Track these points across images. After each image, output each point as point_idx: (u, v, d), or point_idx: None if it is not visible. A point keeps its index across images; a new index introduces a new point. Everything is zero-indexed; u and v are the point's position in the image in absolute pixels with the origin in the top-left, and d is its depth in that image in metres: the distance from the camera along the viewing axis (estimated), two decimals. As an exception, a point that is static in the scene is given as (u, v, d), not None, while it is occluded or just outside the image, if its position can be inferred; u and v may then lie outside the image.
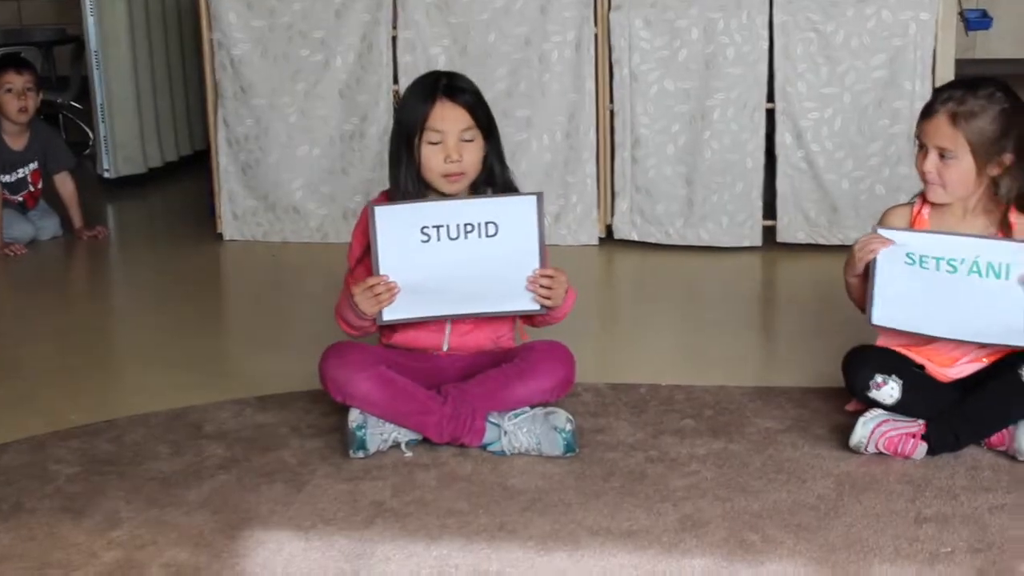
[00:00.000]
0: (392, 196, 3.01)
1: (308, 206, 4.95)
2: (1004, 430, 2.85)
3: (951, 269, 2.84)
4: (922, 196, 3.00)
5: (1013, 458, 2.83)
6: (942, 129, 2.86)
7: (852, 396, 3.01)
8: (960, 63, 6.29)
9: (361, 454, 2.92)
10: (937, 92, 2.97)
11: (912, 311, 2.88)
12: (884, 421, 2.88)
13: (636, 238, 4.74)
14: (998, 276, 2.81)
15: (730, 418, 3.12)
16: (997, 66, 8.04)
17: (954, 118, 2.85)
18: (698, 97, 4.56)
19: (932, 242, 2.86)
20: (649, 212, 4.69)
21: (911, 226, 2.99)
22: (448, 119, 2.94)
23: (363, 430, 2.91)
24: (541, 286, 2.92)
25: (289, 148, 4.90)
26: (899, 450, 2.84)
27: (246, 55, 4.82)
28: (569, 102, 4.67)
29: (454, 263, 2.90)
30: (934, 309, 2.87)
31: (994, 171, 2.89)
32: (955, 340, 2.90)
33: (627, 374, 3.45)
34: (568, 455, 2.91)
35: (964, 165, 2.87)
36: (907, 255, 2.87)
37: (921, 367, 2.95)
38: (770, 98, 4.56)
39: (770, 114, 4.57)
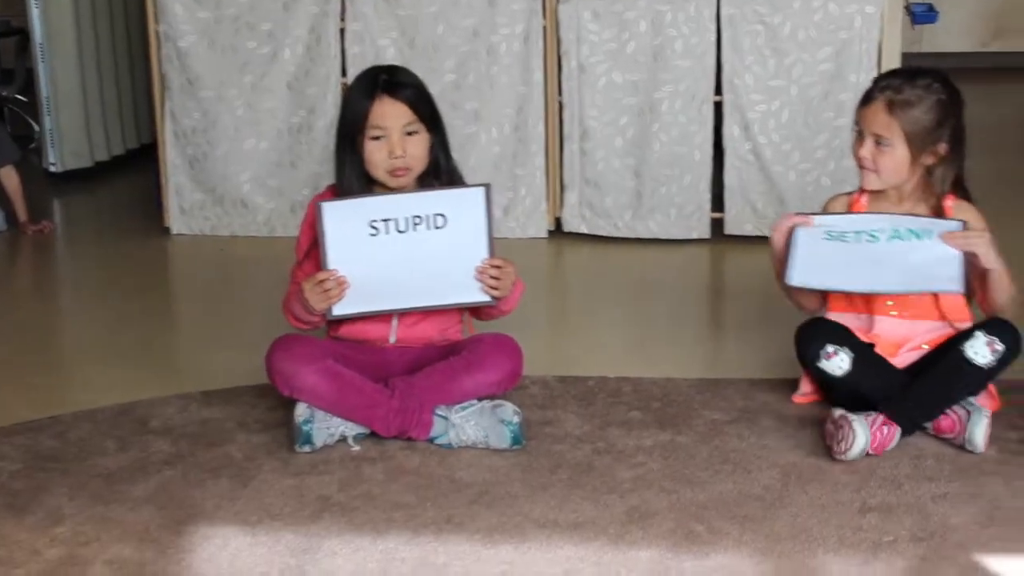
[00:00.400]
0: (338, 191, 3.01)
1: (256, 200, 4.92)
2: (956, 418, 2.87)
3: (872, 239, 2.89)
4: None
5: (960, 447, 2.85)
6: (879, 116, 2.91)
7: (803, 366, 3.03)
8: (907, 56, 6.33)
9: (307, 448, 2.91)
10: (876, 80, 3.03)
11: (830, 272, 2.93)
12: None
13: (585, 231, 4.74)
14: (919, 237, 2.87)
15: (677, 410, 3.14)
16: (943, 60, 8.11)
17: (891, 106, 2.90)
18: (646, 90, 4.57)
19: (851, 221, 2.92)
20: (598, 205, 4.70)
21: (849, 211, 3.03)
22: (389, 115, 2.94)
23: (309, 424, 2.89)
24: (490, 276, 2.92)
25: (237, 141, 4.86)
26: (882, 444, 2.83)
27: (192, 47, 4.78)
28: (517, 95, 4.66)
29: (403, 256, 2.90)
30: (854, 269, 2.92)
31: (928, 160, 2.94)
32: (875, 293, 2.96)
33: (575, 367, 3.45)
34: (515, 448, 2.91)
35: (899, 153, 2.91)
36: (827, 232, 2.92)
37: (872, 345, 2.97)
38: (718, 90, 4.57)
39: (718, 106, 4.58)
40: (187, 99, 4.83)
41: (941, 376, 2.87)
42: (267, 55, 4.77)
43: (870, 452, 2.82)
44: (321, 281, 2.89)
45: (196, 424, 3.13)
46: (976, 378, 2.86)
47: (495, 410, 2.92)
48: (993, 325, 2.87)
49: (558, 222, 4.79)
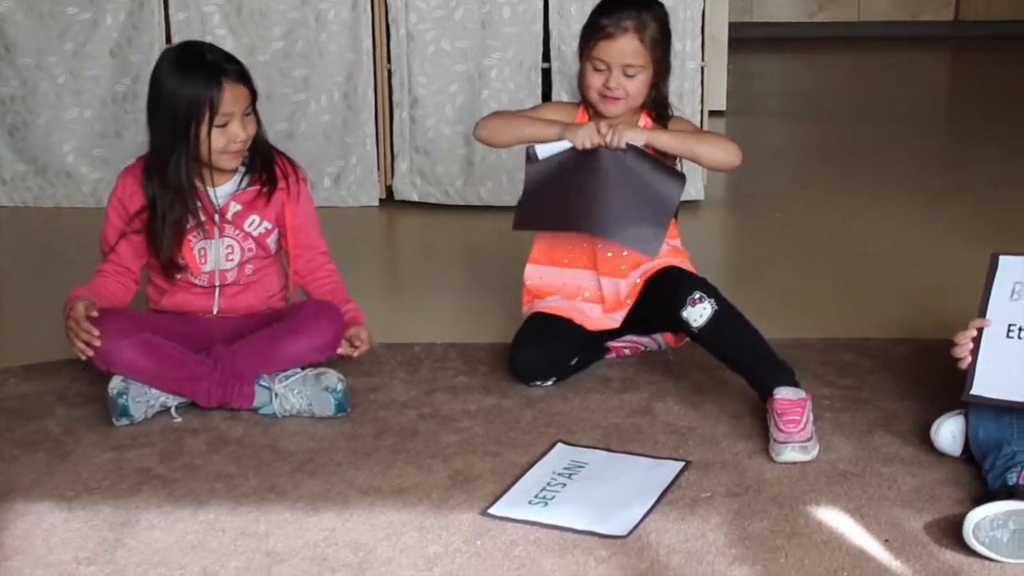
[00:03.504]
0: (152, 164, 2.94)
1: (81, 170, 4.80)
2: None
3: None
4: (585, 106, 3.13)
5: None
6: (630, 46, 2.99)
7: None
8: (736, 26, 6.46)
9: (125, 421, 2.86)
10: (607, 14, 3.04)
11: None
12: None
13: (416, 198, 4.72)
14: None
15: (503, 374, 3.15)
16: (773, 29, 8.28)
17: (639, 34, 2.99)
18: (475, 57, 4.57)
19: None
20: (429, 172, 4.69)
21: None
22: (238, 100, 2.87)
23: (124, 396, 2.84)
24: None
25: (59, 110, 4.73)
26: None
27: (9, 13, 4.63)
28: (346, 62, 4.62)
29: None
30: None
31: (658, 77, 3.08)
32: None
33: (405, 334, 3.44)
34: (340, 415, 2.90)
35: (645, 77, 3.03)
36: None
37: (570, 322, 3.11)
38: (546, 57, 4.59)
39: (546, 73, 4.60)
40: (4, 67, 4.68)
41: (731, 349, 2.92)
42: (88, 21, 4.64)
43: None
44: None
45: (13, 399, 3.05)
46: (725, 324, 2.91)
47: (319, 378, 2.91)
48: (681, 292, 2.94)
49: (389, 190, 4.77)
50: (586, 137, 2.96)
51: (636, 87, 3.02)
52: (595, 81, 3.02)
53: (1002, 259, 2.61)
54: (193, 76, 2.84)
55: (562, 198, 3.02)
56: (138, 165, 2.99)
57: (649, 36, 3.01)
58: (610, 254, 3.08)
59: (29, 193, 4.82)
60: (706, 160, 3.07)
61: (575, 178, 2.99)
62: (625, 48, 2.99)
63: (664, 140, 3.01)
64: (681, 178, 3.01)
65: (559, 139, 3.01)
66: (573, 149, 2.98)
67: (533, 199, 3.07)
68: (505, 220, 4.61)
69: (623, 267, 3.08)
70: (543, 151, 3.03)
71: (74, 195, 4.81)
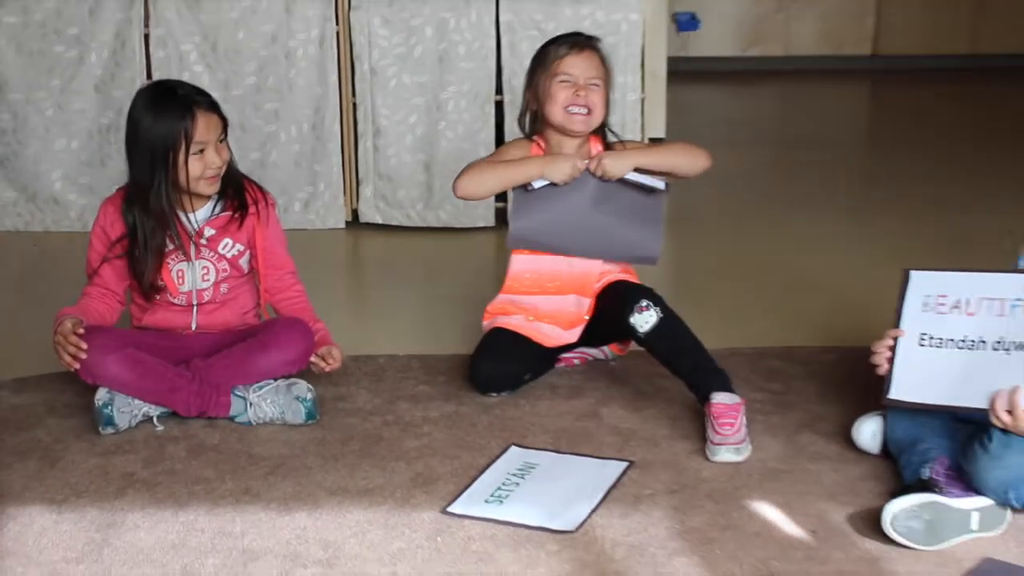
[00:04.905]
0: (133, 195, 2.93)
1: (68, 197, 4.78)
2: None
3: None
4: (536, 141, 3.16)
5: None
6: (594, 61, 3.09)
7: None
8: (674, 60, 6.50)
9: (111, 430, 2.85)
10: (562, 40, 3.13)
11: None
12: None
13: (380, 221, 4.73)
14: None
15: (461, 383, 3.16)
16: (707, 63, 8.34)
17: (599, 53, 3.12)
18: (433, 90, 4.59)
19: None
20: (391, 197, 4.70)
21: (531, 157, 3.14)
22: (211, 128, 2.87)
23: (109, 407, 2.84)
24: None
25: (47, 141, 4.71)
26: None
27: (0, 51, 4.61)
28: (314, 95, 4.63)
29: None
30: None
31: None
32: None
33: (370, 346, 3.45)
34: (310, 422, 2.91)
35: (605, 95, 3.11)
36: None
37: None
38: (499, 91, 4.61)
39: (499, 105, 4.62)
40: (-5, 101, 4.67)
41: (673, 354, 2.94)
42: (74, 59, 4.63)
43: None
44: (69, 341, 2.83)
45: (6, 410, 3.04)
46: (669, 330, 2.94)
47: (290, 388, 2.91)
48: (629, 301, 2.96)
49: (355, 214, 4.77)
50: (567, 176, 3.03)
51: (599, 101, 3.07)
52: (563, 96, 3.04)
53: (913, 274, 2.64)
54: (167, 111, 2.85)
55: (556, 225, 3.06)
56: (118, 196, 2.99)
57: (604, 56, 3.12)
58: (586, 272, 3.11)
59: (20, 219, 4.80)
60: (684, 170, 3.09)
61: (565, 205, 3.05)
62: (590, 62, 3.07)
63: (648, 160, 3.07)
64: (660, 182, 3.07)
65: (540, 178, 3.04)
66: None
67: (524, 221, 3.09)
68: (462, 240, 4.67)
69: (594, 284, 3.10)
70: (537, 185, 3.06)
71: (62, 220, 4.79)
